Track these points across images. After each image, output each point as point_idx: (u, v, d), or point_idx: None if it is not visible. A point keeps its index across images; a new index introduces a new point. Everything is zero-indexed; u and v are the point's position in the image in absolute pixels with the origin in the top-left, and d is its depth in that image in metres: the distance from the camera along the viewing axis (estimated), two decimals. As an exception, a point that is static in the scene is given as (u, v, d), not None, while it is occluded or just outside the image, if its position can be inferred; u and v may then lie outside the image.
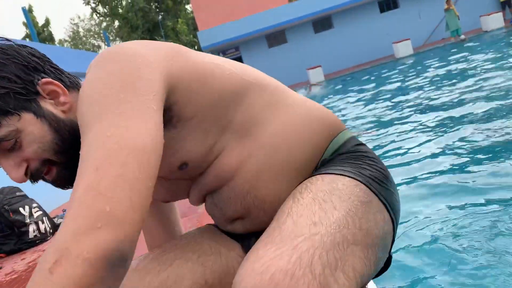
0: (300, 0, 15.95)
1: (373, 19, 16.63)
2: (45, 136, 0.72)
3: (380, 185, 0.81)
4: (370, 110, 5.93)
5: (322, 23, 16.81)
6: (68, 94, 0.77)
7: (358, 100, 7.22)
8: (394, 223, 0.82)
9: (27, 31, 29.56)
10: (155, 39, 21.23)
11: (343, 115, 6.16)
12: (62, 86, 0.76)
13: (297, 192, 0.78)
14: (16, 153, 0.72)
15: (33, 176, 0.74)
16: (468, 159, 2.76)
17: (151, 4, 31.68)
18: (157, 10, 32.54)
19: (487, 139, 2.99)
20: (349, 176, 0.78)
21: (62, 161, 0.75)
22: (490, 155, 2.71)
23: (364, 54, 16.39)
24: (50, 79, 0.75)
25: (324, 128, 0.86)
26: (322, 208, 0.70)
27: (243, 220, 0.87)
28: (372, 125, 4.87)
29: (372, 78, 10.19)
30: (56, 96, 0.75)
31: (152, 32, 31.22)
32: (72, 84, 0.78)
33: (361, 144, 0.90)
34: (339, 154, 0.86)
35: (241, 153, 0.80)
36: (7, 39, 0.77)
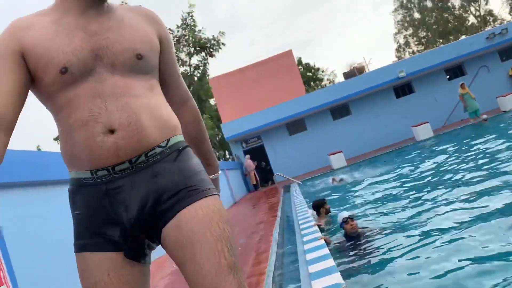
0: (318, 91, 16.57)
1: (389, 104, 17.10)
2: None
3: None
4: (396, 192, 5.85)
5: (340, 110, 17.39)
6: None
7: (379, 182, 7.16)
8: None
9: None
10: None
11: (371, 203, 6.08)
12: None
13: (206, 232, 1.01)
14: None
15: None
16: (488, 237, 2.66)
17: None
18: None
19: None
20: (217, 194, 1.11)
21: None
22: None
23: (383, 138, 16.58)
24: None
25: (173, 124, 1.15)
26: (227, 243, 1.01)
27: (115, 135, 0.99)
28: (405, 205, 4.78)
29: (396, 161, 10.20)
30: None
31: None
32: None
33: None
34: (186, 145, 1.16)
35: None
36: None
